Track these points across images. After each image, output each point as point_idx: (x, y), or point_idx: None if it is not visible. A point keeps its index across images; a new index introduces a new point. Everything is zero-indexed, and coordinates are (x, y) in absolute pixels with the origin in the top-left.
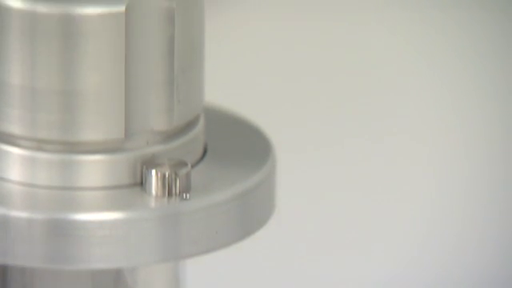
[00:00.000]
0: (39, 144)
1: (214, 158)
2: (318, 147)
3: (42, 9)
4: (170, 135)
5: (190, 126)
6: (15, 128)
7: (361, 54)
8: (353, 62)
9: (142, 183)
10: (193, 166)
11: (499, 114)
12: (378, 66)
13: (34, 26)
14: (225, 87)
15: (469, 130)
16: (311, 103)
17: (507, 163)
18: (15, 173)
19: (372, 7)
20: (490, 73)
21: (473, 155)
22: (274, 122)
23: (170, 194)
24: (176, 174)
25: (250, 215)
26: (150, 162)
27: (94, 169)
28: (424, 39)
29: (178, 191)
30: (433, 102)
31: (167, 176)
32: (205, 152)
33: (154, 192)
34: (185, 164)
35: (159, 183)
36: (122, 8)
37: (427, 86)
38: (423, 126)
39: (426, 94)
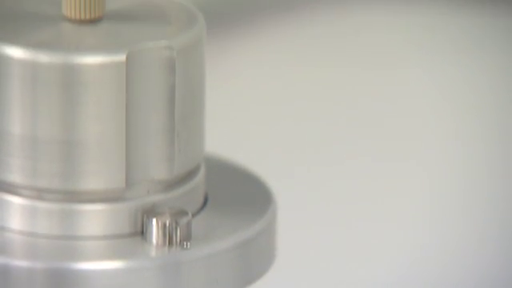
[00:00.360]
0: (40, 193)
1: (214, 207)
2: (318, 192)
3: (42, 58)
4: (171, 184)
5: (190, 175)
6: (16, 177)
7: (360, 95)
8: (352, 104)
9: (142, 232)
10: (193, 215)
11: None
12: (377, 109)
13: (34, 75)
14: (225, 136)
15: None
16: (312, 150)
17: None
18: (16, 222)
19: (371, 51)
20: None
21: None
22: (274, 170)
23: (170, 242)
24: (177, 223)
25: (251, 264)
26: (150, 211)
27: (94, 218)
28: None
29: (178, 240)
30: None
31: (168, 225)
32: (205, 201)
33: (154, 241)
34: (185, 213)
35: (160, 232)
36: (122, 57)
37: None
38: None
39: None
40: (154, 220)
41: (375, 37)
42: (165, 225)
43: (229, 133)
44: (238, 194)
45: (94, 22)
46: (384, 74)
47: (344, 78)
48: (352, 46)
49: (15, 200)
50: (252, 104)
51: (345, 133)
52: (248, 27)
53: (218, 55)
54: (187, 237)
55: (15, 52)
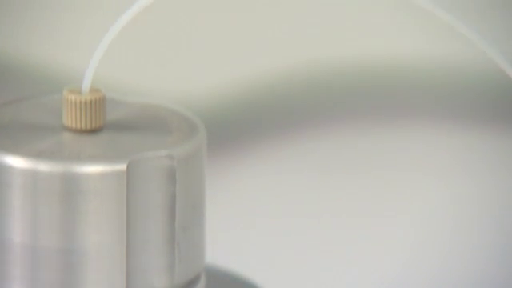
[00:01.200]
0: None
1: None
2: None
3: (43, 167)
4: None
5: (190, 284)
6: (16, 286)
7: (363, 212)
8: (354, 216)
9: None
10: None
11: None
12: (379, 219)
13: (35, 184)
14: (225, 246)
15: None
16: (312, 263)
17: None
18: None
19: (371, 166)
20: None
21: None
22: (274, 281)
23: None
24: None
25: None
26: None
27: None
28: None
29: None
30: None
31: None
32: None
33: None
34: None
35: None
36: (123, 167)
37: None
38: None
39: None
40: None
41: (376, 153)
42: None
43: (228, 243)
44: None
45: (94, 131)
46: (385, 190)
47: (345, 191)
48: (353, 160)
49: None
50: (252, 214)
51: (348, 243)
52: (249, 138)
53: (219, 166)
54: None
55: (16, 161)
